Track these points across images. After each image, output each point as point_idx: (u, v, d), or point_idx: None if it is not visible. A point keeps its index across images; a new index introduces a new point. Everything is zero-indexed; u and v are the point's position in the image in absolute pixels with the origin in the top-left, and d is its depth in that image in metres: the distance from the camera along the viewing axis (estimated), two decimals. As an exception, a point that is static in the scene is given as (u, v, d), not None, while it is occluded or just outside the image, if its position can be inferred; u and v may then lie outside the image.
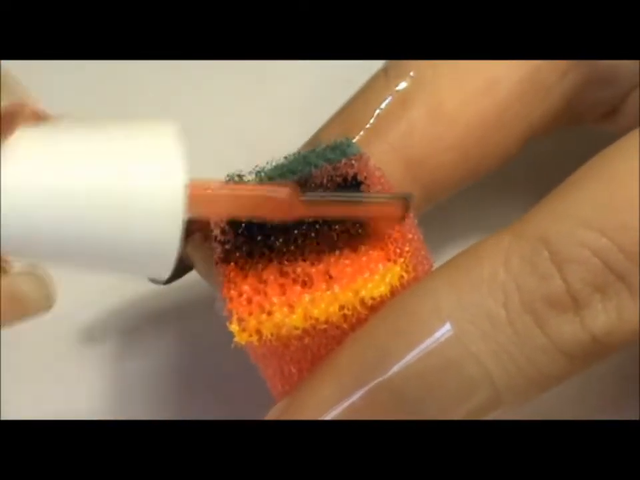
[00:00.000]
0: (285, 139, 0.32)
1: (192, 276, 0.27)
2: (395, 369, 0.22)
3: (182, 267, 0.27)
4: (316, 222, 0.23)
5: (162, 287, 0.29)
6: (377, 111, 0.27)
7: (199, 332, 0.32)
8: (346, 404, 0.23)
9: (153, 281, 0.28)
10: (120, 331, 0.32)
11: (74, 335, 0.33)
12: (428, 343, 0.22)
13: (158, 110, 0.36)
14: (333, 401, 0.23)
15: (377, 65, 0.29)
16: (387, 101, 0.28)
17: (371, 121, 0.27)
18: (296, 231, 0.23)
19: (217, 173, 0.27)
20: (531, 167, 0.32)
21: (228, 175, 0.25)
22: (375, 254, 0.23)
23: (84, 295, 0.33)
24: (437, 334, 0.22)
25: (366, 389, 0.22)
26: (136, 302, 0.33)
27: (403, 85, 0.28)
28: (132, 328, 0.33)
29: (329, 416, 0.23)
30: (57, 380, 0.32)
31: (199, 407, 0.31)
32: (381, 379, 0.22)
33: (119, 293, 0.33)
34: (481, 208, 0.32)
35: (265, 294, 0.23)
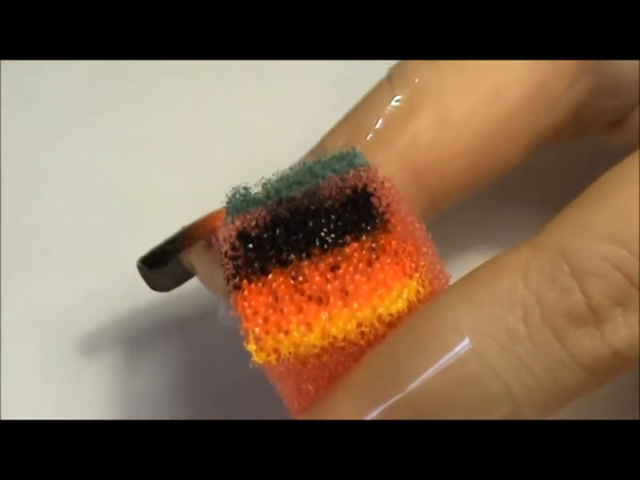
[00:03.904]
0: (286, 139, 0.32)
1: (193, 284, 0.27)
2: (414, 385, 0.22)
3: (183, 274, 0.27)
4: (329, 235, 0.23)
5: (163, 296, 0.29)
6: (382, 119, 0.27)
7: (201, 341, 0.32)
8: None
9: (154, 287, 0.27)
10: (121, 341, 0.32)
11: (74, 345, 0.32)
12: (447, 359, 0.22)
13: (158, 110, 0.36)
14: (350, 418, 0.23)
15: (379, 65, 0.29)
16: (392, 109, 0.27)
17: (376, 129, 0.27)
18: (309, 246, 0.23)
19: (217, 174, 0.27)
20: (536, 178, 0.32)
21: (233, 188, 0.25)
22: (391, 269, 0.23)
23: (84, 305, 0.33)
24: (456, 349, 0.22)
25: (384, 405, 0.22)
26: (137, 311, 0.33)
27: (407, 93, 0.27)
28: (133, 337, 0.32)
29: None
30: (58, 392, 0.32)
31: (203, 417, 0.31)
32: (399, 395, 0.22)
33: (120, 303, 0.33)
34: (485, 218, 0.32)
35: (282, 312, 0.22)
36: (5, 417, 0.31)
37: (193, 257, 0.26)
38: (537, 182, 0.32)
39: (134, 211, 0.34)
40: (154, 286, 0.27)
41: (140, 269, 0.27)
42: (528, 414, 0.22)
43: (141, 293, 0.29)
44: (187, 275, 0.27)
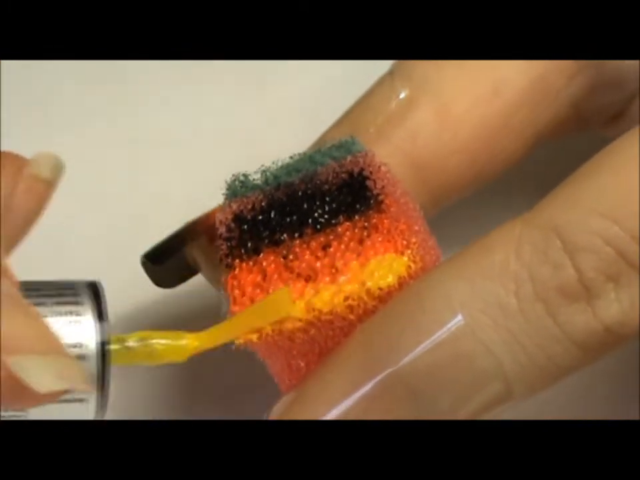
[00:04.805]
0: (286, 139, 0.32)
1: (197, 281, 0.27)
2: (406, 360, 0.22)
3: (188, 271, 0.27)
4: (322, 216, 0.24)
5: (166, 293, 0.29)
6: (383, 113, 0.27)
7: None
8: (356, 395, 0.22)
9: (157, 283, 0.27)
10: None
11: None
12: (439, 334, 0.22)
13: (158, 110, 0.36)
14: (343, 392, 0.23)
15: (378, 64, 0.29)
16: (392, 104, 0.27)
17: (377, 123, 0.27)
18: (302, 226, 0.23)
19: (217, 173, 0.27)
20: (537, 174, 0.32)
21: (233, 175, 0.25)
22: (382, 246, 0.23)
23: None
24: (448, 325, 0.22)
25: (376, 380, 0.22)
26: (139, 310, 0.33)
27: (408, 88, 0.27)
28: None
29: (340, 408, 0.23)
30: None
31: (204, 414, 0.31)
32: (391, 369, 0.22)
33: (123, 299, 0.33)
34: (486, 214, 0.32)
35: (267, 291, 0.23)
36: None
37: (196, 252, 0.26)
38: (538, 178, 0.32)
39: (134, 209, 0.34)
40: (158, 282, 0.27)
41: (143, 264, 0.27)
42: (520, 390, 0.22)
43: (143, 292, 0.29)
44: (190, 272, 0.27)
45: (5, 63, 0.36)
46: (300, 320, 0.22)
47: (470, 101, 0.27)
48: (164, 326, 0.32)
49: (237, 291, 0.23)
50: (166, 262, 0.27)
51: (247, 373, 0.29)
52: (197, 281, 0.27)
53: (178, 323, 0.32)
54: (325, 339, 0.23)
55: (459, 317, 0.22)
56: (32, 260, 0.34)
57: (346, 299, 0.23)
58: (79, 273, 0.33)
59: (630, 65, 0.27)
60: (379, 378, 0.22)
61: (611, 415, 0.29)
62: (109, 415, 0.31)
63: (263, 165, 0.25)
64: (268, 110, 0.35)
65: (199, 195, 0.30)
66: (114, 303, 0.32)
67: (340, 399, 0.23)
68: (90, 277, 0.33)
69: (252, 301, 0.23)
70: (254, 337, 0.23)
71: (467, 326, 0.22)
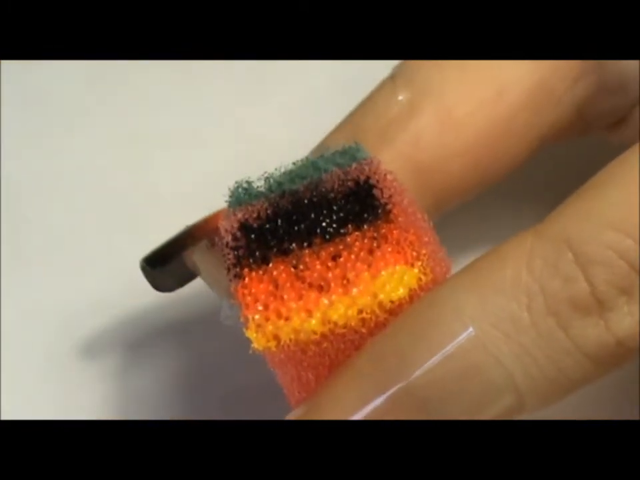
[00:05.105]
0: (286, 139, 0.32)
1: (196, 286, 0.27)
2: (417, 374, 0.22)
3: (186, 275, 0.27)
4: (331, 226, 0.23)
5: (165, 298, 0.29)
6: (385, 118, 0.27)
7: (203, 343, 0.32)
8: (367, 410, 0.22)
9: (156, 288, 0.27)
10: (122, 342, 0.32)
11: (75, 346, 0.32)
12: (450, 347, 0.22)
13: (158, 110, 0.36)
14: (353, 406, 0.22)
15: (380, 65, 0.29)
16: (394, 108, 0.27)
17: (379, 127, 0.27)
18: (311, 236, 0.23)
19: (218, 174, 0.27)
20: (540, 178, 0.32)
21: (236, 182, 0.25)
22: (392, 257, 0.23)
23: (86, 306, 0.33)
24: (459, 338, 0.22)
25: (387, 394, 0.22)
26: (138, 312, 0.33)
27: (410, 92, 0.27)
28: (134, 338, 0.32)
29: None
30: (58, 392, 0.32)
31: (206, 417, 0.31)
32: (402, 384, 0.22)
33: (121, 303, 0.33)
34: (489, 219, 0.32)
35: (282, 299, 0.23)
36: (4, 417, 0.31)
37: (196, 256, 0.26)
38: (541, 182, 0.32)
39: (134, 211, 0.34)
40: (157, 286, 0.27)
41: (143, 268, 0.27)
42: (531, 403, 0.22)
43: (142, 294, 0.29)
44: (190, 276, 0.27)
45: (4, 62, 0.36)
46: (315, 333, 0.22)
47: (473, 103, 0.27)
48: (162, 329, 0.32)
49: (249, 298, 0.23)
50: (165, 266, 0.27)
51: (252, 378, 0.29)
52: (196, 285, 0.27)
53: (177, 326, 0.32)
54: (336, 352, 0.23)
55: (470, 330, 0.22)
56: (31, 259, 0.34)
57: (359, 312, 0.22)
58: (77, 275, 0.33)
59: (633, 70, 0.27)
60: (390, 392, 0.22)
61: (611, 415, 0.29)
62: (110, 415, 0.31)
63: (265, 172, 0.25)
64: (268, 110, 0.35)
65: (199, 195, 0.30)
66: (112, 307, 0.33)
67: (351, 413, 0.22)
68: (88, 279, 0.33)
69: (265, 307, 0.23)
70: (272, 345, 0.22)
71: (477, 339, 0.22)
